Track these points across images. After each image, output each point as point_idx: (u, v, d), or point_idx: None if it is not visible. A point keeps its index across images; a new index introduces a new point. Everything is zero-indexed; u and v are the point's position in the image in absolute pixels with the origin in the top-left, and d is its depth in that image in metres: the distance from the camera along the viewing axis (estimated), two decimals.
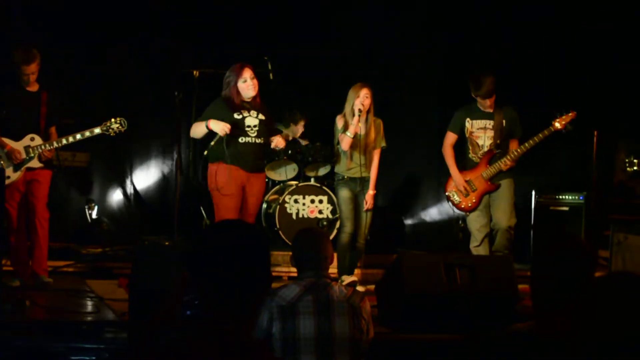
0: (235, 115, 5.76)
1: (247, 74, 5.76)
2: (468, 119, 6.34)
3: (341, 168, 6.33)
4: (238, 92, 5.77)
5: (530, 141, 6.16)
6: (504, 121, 6.29)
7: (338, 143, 6.30)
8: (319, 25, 8.52)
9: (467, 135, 6.35)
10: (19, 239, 5.84)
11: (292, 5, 8.33)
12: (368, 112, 6.19)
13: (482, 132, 6.32)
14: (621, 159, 7.95)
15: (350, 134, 6.12)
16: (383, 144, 6.36)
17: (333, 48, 8.51)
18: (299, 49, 8.36)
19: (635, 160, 7.67)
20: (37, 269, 5.82)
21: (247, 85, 5.76)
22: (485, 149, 6.31)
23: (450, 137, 6.40)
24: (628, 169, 7.76)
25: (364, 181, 6.28)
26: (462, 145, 6.42)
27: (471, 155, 6.38)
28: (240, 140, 5.76)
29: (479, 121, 6.32)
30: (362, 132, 6.21)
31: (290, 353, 3.38)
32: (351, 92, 6.20)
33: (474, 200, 6.33)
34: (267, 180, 7.82)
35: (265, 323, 3.41)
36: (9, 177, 5.65)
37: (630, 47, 8.18)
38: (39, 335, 4.48)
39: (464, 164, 6.41)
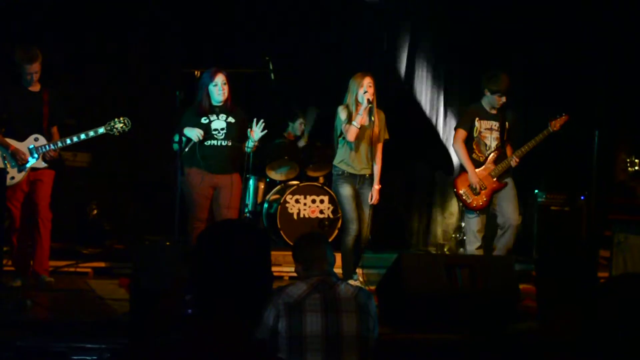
0: (202, 120, 5.91)
1: (219, 79, 5.90)
2: (477, 119, 6.42)
3: (342, 162, 6.10)
4: (208, 96, 5.92)
5: (532, 141, 6.36)
6: (507, 123, 6.44)
7: (340, 135, 6.09)
8: (319, 24, 8.52)
9: (475, 134, 6.42)
10: (21, 239, 5.84)
11: (291, 4, 8.33)
12: (372, 103, 5.97)
13: (488, 133, 6.44)
14: (622, 159, 7.95)
15: (357, 124, 5.92)
16: (386, 136, 6.22)
17: (333, 47, 8.51)
18: (299, 49, 8.36)
19: (636, 160, 7.66)
20: (38, 269, 5.82)
21: (217, 90, 5.89)
22: (493, 149, 6.43)
23: (462, 134, 6.43)
24: (629, 169, 7.76)
25: (365, 179, 6.11)
26: (466, 144, 6.43)
27: (476, 155, 6.44)
28: (205, 143, 5.90)
29: (486, 121, 6.43)
30: (368, 123, 6.00)
31: (296, 351, 3.35)
32: (353, 81, 6.02)
33: (484, 199, 6.41)
34: (267, 180, 7.84)
35: (271, 320, 3.37)
36: (13, 178, 5.66)
37: (630, 45, 8.18)
38: (40, 335, 4.49)
39: None
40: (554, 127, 6.34)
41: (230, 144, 5.95)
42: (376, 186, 6.14)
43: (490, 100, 6.37)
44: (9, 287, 5.63)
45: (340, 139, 6.12)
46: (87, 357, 4.26)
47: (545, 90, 8.17)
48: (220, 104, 5.95)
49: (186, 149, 5.88)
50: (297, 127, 8.08)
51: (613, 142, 7.95)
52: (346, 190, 6.10)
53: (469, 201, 6.43)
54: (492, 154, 6.42)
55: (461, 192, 6.44)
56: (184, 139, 5.87)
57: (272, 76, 6.83)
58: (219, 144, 5.93)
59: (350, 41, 8.44)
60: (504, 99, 6.33)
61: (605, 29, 8.30)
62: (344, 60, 8.29)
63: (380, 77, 6.25)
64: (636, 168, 7.37)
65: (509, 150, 6.49)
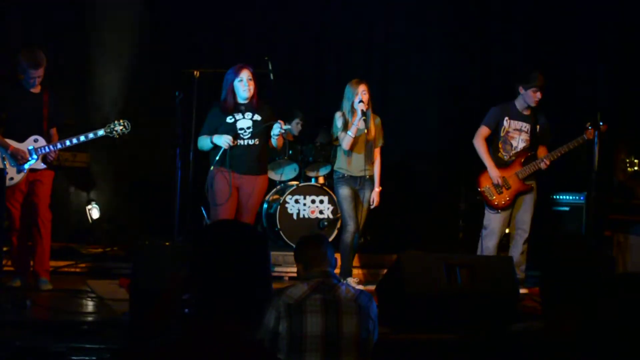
0: (228, 120, 5.79)
1: (245, 74, 5.77)
2: (507, 118, 6.37)
3: (341, 165, 6.24)
4: (233, 92, 5.79)
5: (565, 147, 6.32)
6: (537, 126, 6.40)
7: (336, 139, 6.21)
8: (319, 24, 8.53)
9: (502, 133, 6.37)
10: (20, 239, 5.85)
11: (291, 4, 8.33)
12: (368, 108, 6.08)
13: (517, 134, 6.38)
14: (621, 159, 7.95)
15: (351, 133, 6.04)
16: (381, 142, 6.32)
17: (332, 46, 8.51)
18: (298, 48, 8.37)
19: (636, 161, 7.66)
20: (38, 269, 5.82)
21: (242, 85, 5.75)
22: (519, 150, 6.37)
23: (484, 131, 6.38)
24: (629, 169, 7.76)
25: (364, 180, 6.21)
26: (491, 142, 6.40)
27: (501, 153, 6.39)
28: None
29: (516, 122, 6.38)
30: (363, 128, 6.09)
31: (296, 351, 3.36)
32: (348, 88, 6.13)
33: (507, 198, 6.35)
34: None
35: (272, 322, 3.38)
36: (12, 179, 5.66)
37: (630, 45, 8.18)
38: (39, 335, 4.49)
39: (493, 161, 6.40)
40: (590, 136, 6.26)
41: (257, 142, 5.83)
42: (377, 189, 6.24)
43: (526, 98, 6.30)
44: (9, 287, 5.63)
45: (336, 143, 6.25)
46: (87, 358, 4.25)
47: (545, 90, 8.17)
48: (246, 102, 5.82)
49: (217, 157, 5.80)
50: (294, 127, 8.08)
51: (613, 142, 7.95)
52: (345, 191, 6.21)
53: (491, 198, 6.36)
54: (521, 154, 6.36)
55: (483, 188, 6.37)
56: (210, 144, 5.79)
57: (272, 76, 6.82)
58: (245, 143, 5.80)
59: (350, 40, 8.46)
60: (539, 95, 6.27)
61: (606, 28, 8.30)
62: (344, 60, 8.31)
63: (379, 77, 6.25)
64: (636, 168, 7.37)
65: (542, 152, 6.43)
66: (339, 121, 6.16)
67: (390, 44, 8.68)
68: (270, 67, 6.77)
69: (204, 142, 5.88)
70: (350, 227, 6.17)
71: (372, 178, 6.25)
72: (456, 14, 8.62)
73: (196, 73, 6.30)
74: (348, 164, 6.18)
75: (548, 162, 6.33)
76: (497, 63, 8.54)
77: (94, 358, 4.24)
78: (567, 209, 7.57)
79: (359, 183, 6.22)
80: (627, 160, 7.22)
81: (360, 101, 6.03)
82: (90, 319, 5.02)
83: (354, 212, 6.17)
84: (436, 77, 8.75)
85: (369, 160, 6.18)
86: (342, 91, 6.24)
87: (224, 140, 5.70)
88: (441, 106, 8.74)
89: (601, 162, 6.67)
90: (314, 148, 7.68)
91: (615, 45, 8.32)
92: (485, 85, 8.64)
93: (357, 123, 6.02)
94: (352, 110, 6.09)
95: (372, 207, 6.26)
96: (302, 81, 8.49)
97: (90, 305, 5.39)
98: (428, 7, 8.62)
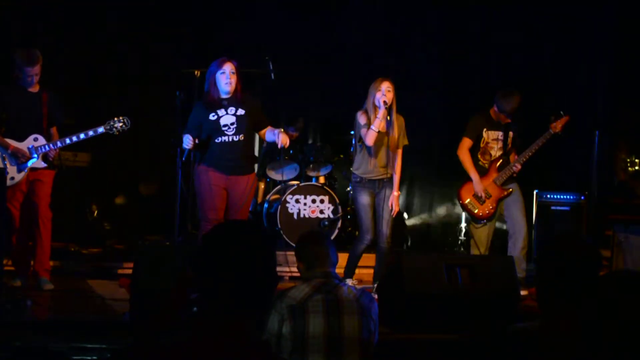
0: (211, 117, 5.61)
1: (228, 67, 5.58)
2: (485, 129, 6.36)
3: (360, 167, 5.95)
4: (215, 86, 5.61)
5: (534, 145, 6.27)
6: (510, 132, 6.39)
7: (360, 140, 5.93)
8: (320, 24, 8.53)
9: (482, 144, 6.37)
10: (20, 239, 5.84)
11: (292, 4, 8.33)
12: (391, 108, 5.85)
13: (495, 144, 6.39)
14: (622, 159, 7.96)
15: (375, 127, 5.74)
16: (405, 142, 6.04)
17: (333, 46, 8.51)
18: (299, 49, 8.37)
19: (636, 160, 7.67)
20: (39, 269, 5.82)
21: (224, 78, 5.56)
22: (495, 158, 6.39)
23: (467, 143, 6.36)
24: (629, 169, 7.77)
25: (384, 182, 5.93)
26: (471, 153, 6.38)
27: (481, 162, 6.39)
28: (216, 140, 5.63)
29: (493, 132, 6.39)
30: (385, 129, 5.85)
31: (299, 352, 3.37)
32: (372, 86, 5.88)
33: (490, 207, 6.33)
34: (267, 180, 7.84)
35: (275, 326, 3.38)
36: (12, 178, 5.66)
37: (630, 45, 8.19)
38: (39, 335, 4.49)
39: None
40: (555, 129, 6.23)
41: (242, 138, 5.65)
42: (395, 193, 5.95)
43: (499, 115, 6.31)
44: (9, 287, 5.63)
45: (359, 144, 5.97)
46: (87, 357, 4.26)
47: (545, 90, 8.18)
48: (229, 96, 5.62)
49: (183, 158, 5.78)
50: (290, 133, 8.05)
51: (613, 142, 7.95)
52: (364, 199, 5.94)
53: (475, 211, 6.35)
54: (495, 161, 6.37)
55: (466, 202, 6.37)
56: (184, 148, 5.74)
57: (273, 76, 6.82)
58: (229, 139, 5.62)
59: (350, 41, 8.46)
60: (508, 120, 6.30)
61: (606, 28, 8.30)
62: (344, 61, 8.30)
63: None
64: (636, 168, 7.38)
65: (513, 158, 6.44)
66: (361, 119, 5.87)
67: (391, 41, 8.68)
68: (271, 67, 6.77)
69: (184, 140, 5.71)
70: (366, 239, 5.93)
71: (390, 180, 5.97)
72: (457, 15, 8.62)
73: (196, 73, 6.30)
74: (368, 166, 5.92)
75: (519, 166, 6.30)
76: (496, 61, 8.54)
77: (94, 358, 4.25)
78: (567, 208, 7.58)
79: (378, 186, 5.95)
80: (628, 160, 7.23)
81: (383, 95, 5.78)
82: (90, 319, 5.02)
83: (372, 222, 5.91)
84: (437, 78, 8.75)
85: (391, 162, 5.92)
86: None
87: (185, 142, 5.59)
88: (442, 106, 8.74)
89: (601, 162, 6.69)
90: (315, 148, 7.67)
91: (615, 45, 8.32)
92: (485, 85, 8.65)
93: (381, 116, 5.74)
94: (374, 108, 5.84)
95: (393, 213, 5.95)
96: (304, 81, 8.48)
97: (90, 305, 5.40)
98: (429, 7, 8.63)
